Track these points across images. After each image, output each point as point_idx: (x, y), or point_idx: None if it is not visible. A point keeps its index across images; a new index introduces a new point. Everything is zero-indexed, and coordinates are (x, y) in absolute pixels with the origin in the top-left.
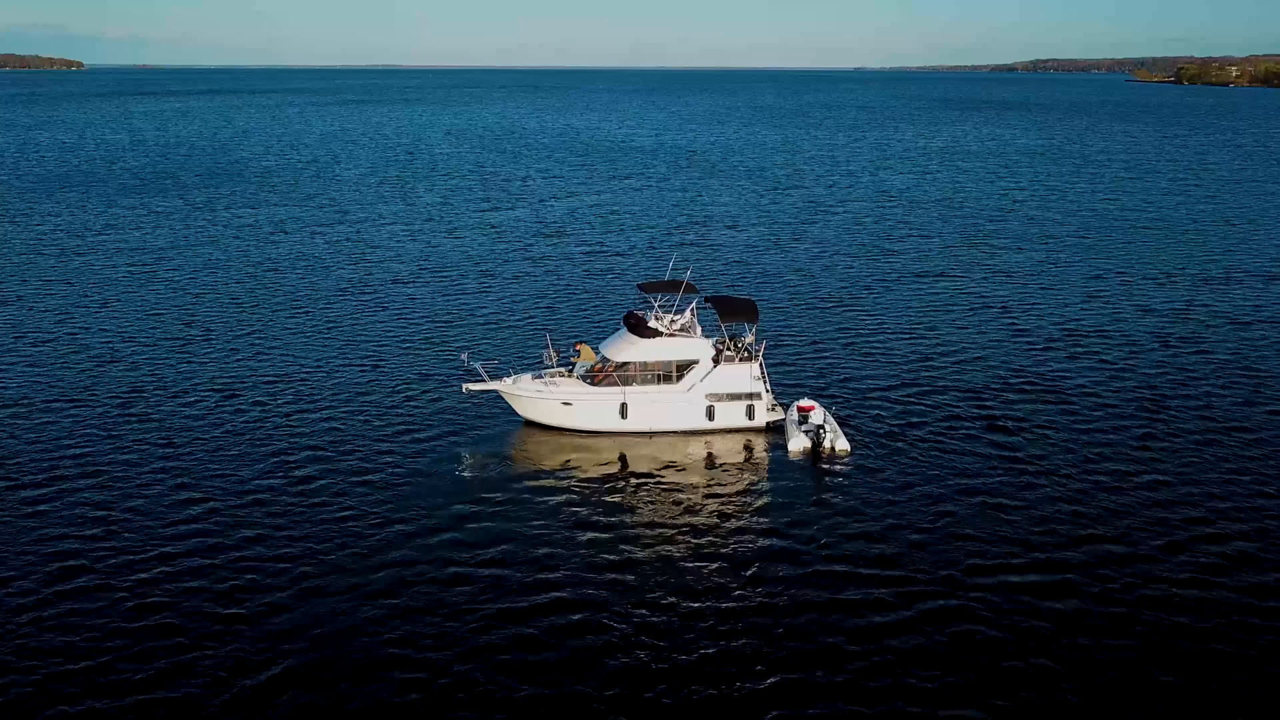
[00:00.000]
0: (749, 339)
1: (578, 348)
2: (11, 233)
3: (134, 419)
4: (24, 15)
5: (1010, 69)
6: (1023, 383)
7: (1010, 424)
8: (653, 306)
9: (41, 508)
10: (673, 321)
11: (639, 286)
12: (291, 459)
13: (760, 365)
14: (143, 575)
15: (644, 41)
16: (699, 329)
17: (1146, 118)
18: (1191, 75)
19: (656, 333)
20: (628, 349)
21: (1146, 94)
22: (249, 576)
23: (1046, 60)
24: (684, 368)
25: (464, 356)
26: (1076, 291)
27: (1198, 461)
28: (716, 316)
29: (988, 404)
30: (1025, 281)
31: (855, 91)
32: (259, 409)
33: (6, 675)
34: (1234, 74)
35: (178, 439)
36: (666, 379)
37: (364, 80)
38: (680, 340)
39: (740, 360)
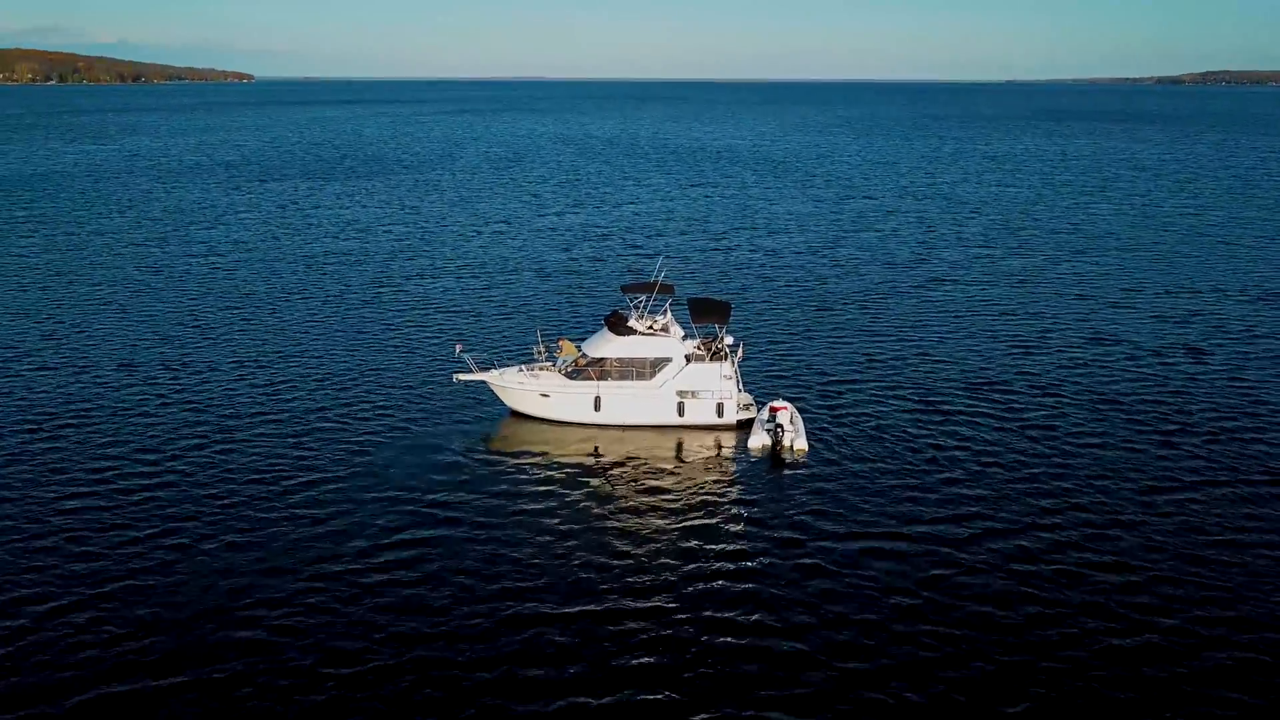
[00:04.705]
0: (725, 339)
1: (560, 343)
2: (127, 223)
3: (159, 387)
4: (198, 32)
5: (1177, 81)
6: (1017, 387)
7: (982, 427)
8: (629, 306)
9: (62, 448)
10: (653, 321)
11: (621, 288)
12: (290, 431)
13: (734, 365)
14: (138, 514)
15: (783, 51)
16: (677, 329)
17: None
18: None
19: (632, 331)
20: (604, 345)
21: None
22: (225, 538)
23: (1218, 72)
24: (657, 365)
25: (458, 348)
26: (1101, 302)
27: (1138, 460)
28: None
29: (964, 411)
30: (1058, 290)
31: (994, 104)
32: (264, 386)
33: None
34: None
35: (173, 409)
36: (640, 375)
37: (498, 92)
38: (654, 338)
39: (711, 360)
